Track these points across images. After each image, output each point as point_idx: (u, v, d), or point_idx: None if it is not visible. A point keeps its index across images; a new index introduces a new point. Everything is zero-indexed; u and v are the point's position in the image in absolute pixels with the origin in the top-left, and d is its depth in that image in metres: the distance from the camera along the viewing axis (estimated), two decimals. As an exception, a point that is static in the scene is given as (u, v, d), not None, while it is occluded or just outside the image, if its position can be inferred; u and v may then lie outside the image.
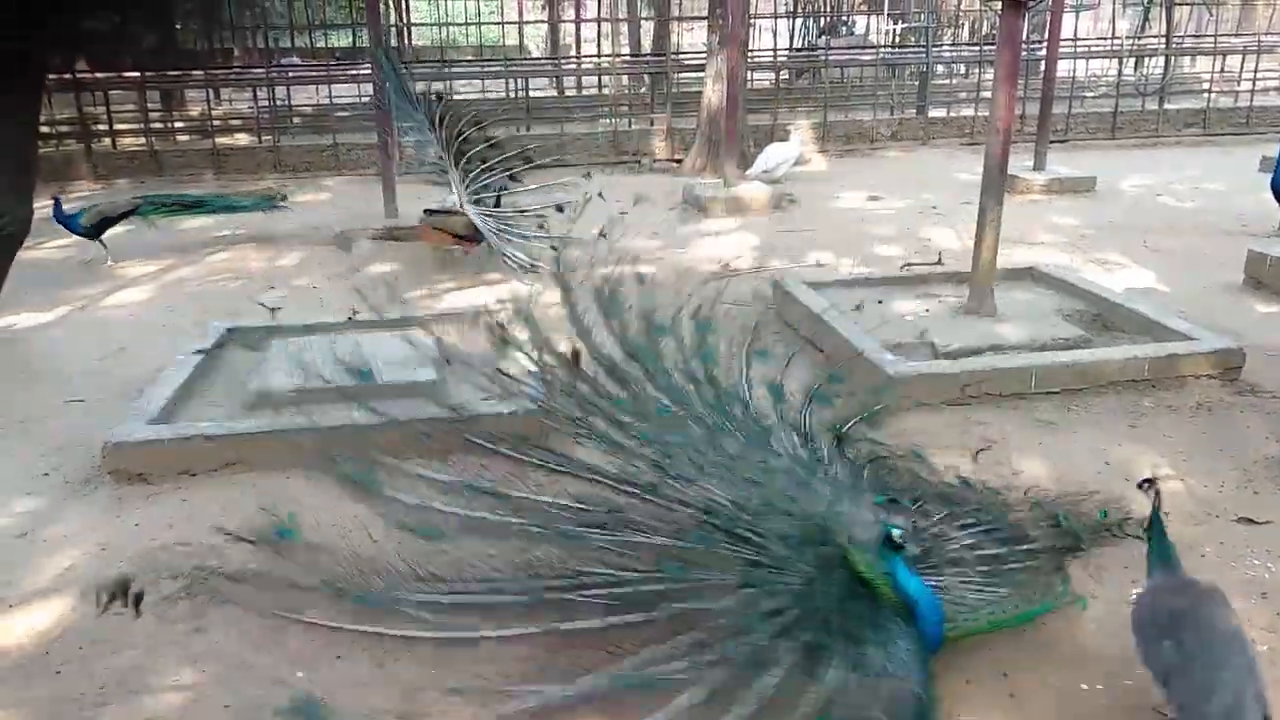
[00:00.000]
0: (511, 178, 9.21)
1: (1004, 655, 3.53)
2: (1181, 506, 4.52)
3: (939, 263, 8.63)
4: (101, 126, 15.52)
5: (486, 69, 17.98)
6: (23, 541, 4.56)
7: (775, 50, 18.73)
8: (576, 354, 3.64)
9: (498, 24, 21.28)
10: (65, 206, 9.46)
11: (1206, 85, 18.96)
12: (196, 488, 4.96)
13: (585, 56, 21.35)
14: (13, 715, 3.42)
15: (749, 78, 16.35)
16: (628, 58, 21.11)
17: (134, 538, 4.55)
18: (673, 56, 18.68)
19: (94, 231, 9.35)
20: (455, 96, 10.24)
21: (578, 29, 22.32)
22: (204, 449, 5.07)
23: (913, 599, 2.88)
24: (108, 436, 5.14)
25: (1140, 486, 3.39)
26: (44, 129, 15.66)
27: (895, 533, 2.88)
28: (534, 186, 9.39)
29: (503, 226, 8.69)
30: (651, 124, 16.58)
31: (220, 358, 6.51)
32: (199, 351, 6.35)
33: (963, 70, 22.30)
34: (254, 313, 7.91)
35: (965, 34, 24.15)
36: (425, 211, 9.14)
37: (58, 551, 4.46)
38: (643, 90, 18.67)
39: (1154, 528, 3.22)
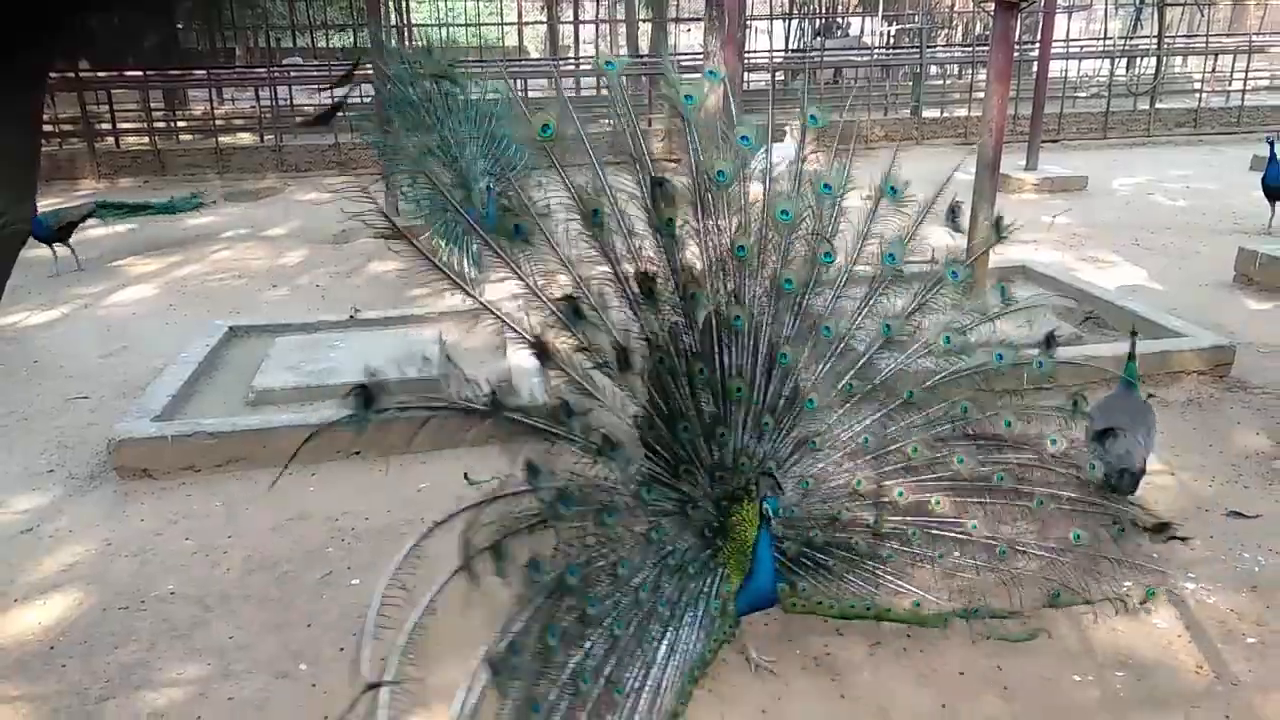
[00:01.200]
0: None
1: (997, 647, 3.61)
2: (1172, 500, 4.58)
3: (932, 260, 8.67)
4: (105, 125, 15.57)
5: (486, 69, 18.02)
6: (28, 537, 4.61)
7: (771, 51, 18.80)
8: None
9: (497, 24, 21.30)
10: None
11: (1198, 85, 19.04)
12: (201, 484, 5.01)
13: (583, 57, 21.41)
14: (18, 709, 3.47)
15: (745, 79, 16.40)
16: (626, 58, 21.13)
17: (139, 533, 4.60)
18: (670, 57, 18.73)
19: (60, 235, 9.38)
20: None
21: (576, 30, 22.37)
22: (207, 446, 5.12)
23: (758, 564, 3.25)
24: (112, 433, 5.19)
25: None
26: (47, 127, 15.70)
27: (768, 508, 3.17)
28: None
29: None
30: (650, 124, 16.63)
31: (222, 355, 6.56)
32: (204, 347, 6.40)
33: (956, 71, 22.38)
34: (256, 310, 7.96)
35: (958, 35, 24.25)
36: None
37: (62, 547, 4.51)
38: (640, 91, 18.70)
39: (1130, 363, 4.38)
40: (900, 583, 3.60)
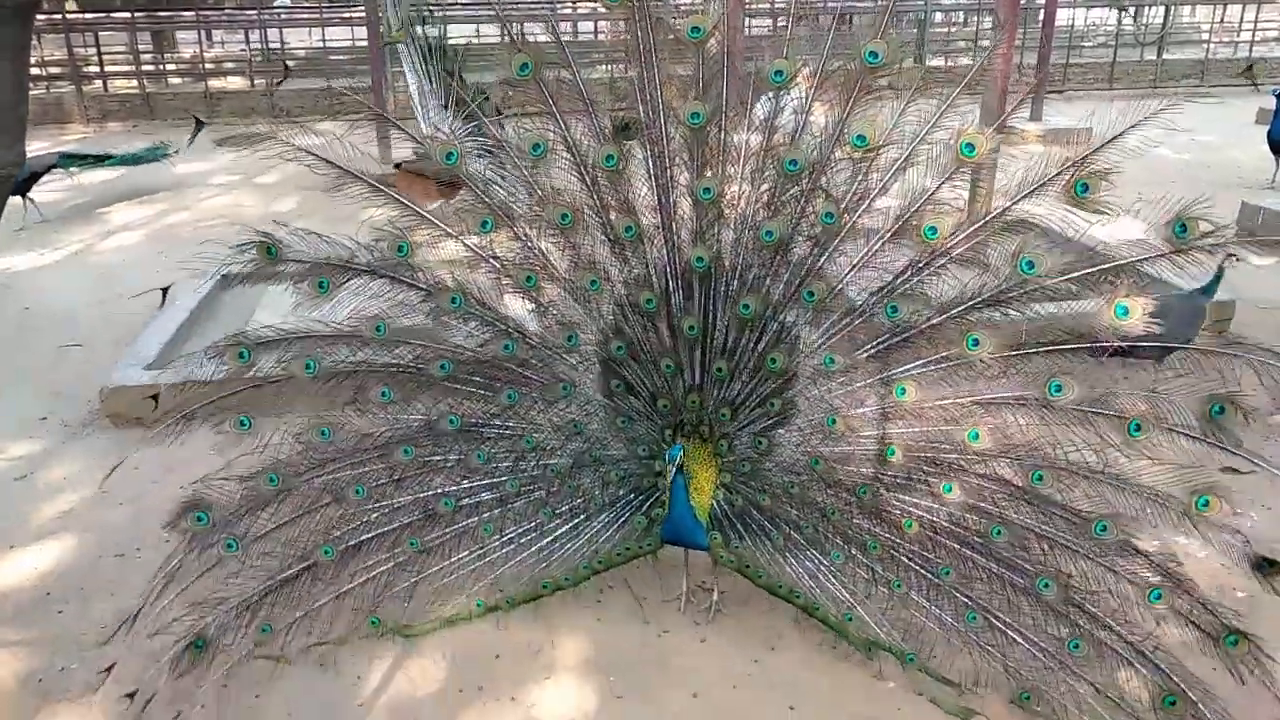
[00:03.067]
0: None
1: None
2: (1167, 456, 4.56)
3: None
4: (93, 68, 15.32)
5: (480, 14, 17.72)
6: (23, 484, 4.61)
7: (773, -5, 18.45)
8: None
9: (492, -34, 20.90)
10: None
11: (1206, 35, 18.78)
12: (194, 432, 4.98)
13: (580, 0, 21.04)
14: (15, 654, 3.49)
15: (747, 24, 16.15)
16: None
17: (133, 481, 4.59)
18: (670, 2, 18.41)
19: (23, 186, 9.05)
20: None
21: (572, -27, 21.93)
22: (200, 394, 5.08)
23: (671, 504, 3.40)
24: (105, 381, 5.17)
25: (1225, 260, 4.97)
26: (34, 70, 15.45)
27: (670, 454, 3.28)
28: None
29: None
30: (624, 70, 16.38)
31: (215, 303, 6.50)
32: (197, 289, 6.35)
33: (961, 18, 22.03)
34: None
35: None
36: (396, 166, 8.88)
37: (58, 494, 4.50)
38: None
39: (1217, 275, 5.22)
40: (840, 589, 3.36)
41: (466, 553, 3.51)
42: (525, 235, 3.48)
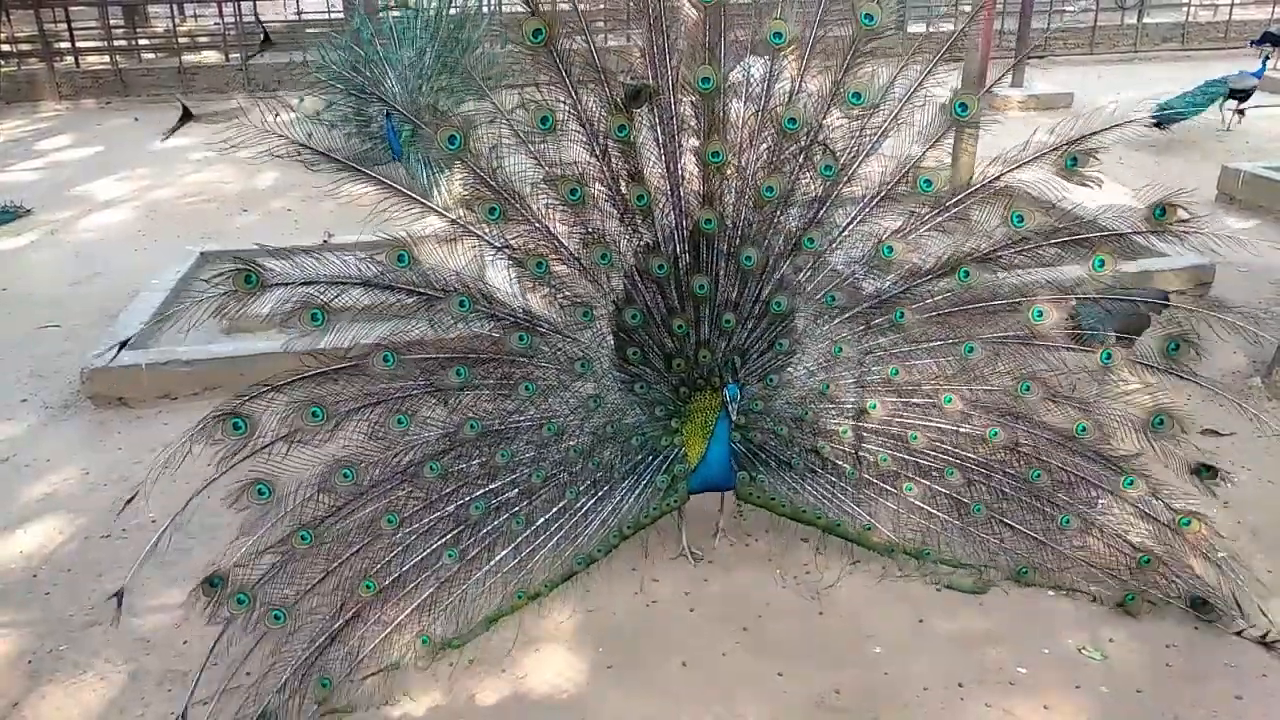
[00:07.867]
0: None
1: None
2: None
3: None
4: (64, 44, 15.06)
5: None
6: (4, 467, 4.58)
7: (753, -38, 18.29)
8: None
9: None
10: None
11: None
12: (177, 412, 4.96)
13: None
14: (4, 636, 3.49)
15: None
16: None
17: (117, 462, 4.57)
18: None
19: None
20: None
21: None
22: (182, 374, 5.06)
23: (712, 446, 3.56)
24: (86, 362, 5.12)
25: None
26: (3, 48, 15.21)
27: (727, 394, 3.39)
28: None
29: None
30: (628, 40, 16.26)
31: (196, 281, 6.44)
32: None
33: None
34: (227, 235, 7.80)
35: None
36: None
37: (41, 476, 4.48)
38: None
39: None
40: (854, 506, 3.66)
41: (504, 551, 3.46)
42: (535, 218, 3.44)
